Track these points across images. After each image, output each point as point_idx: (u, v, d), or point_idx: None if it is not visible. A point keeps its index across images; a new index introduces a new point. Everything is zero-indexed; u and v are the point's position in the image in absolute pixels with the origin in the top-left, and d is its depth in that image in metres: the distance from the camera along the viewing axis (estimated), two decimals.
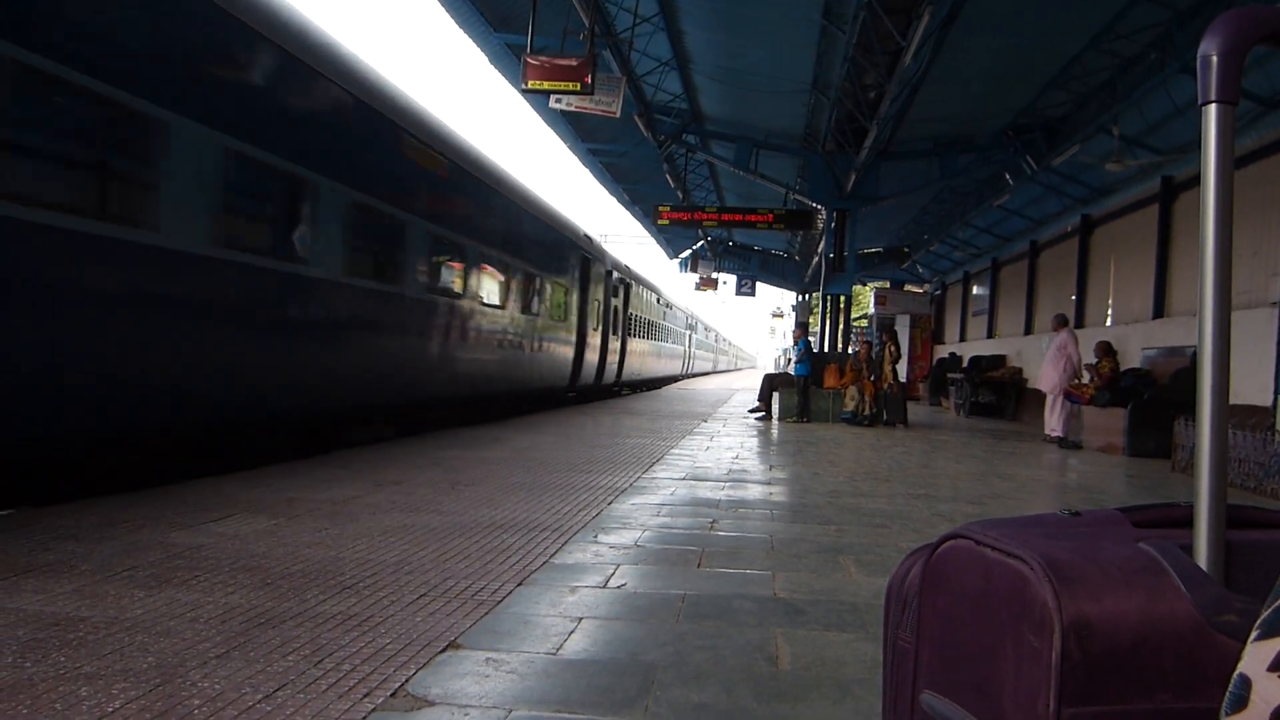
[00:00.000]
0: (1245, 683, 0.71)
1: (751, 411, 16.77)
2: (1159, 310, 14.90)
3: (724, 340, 78.11)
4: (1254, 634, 0.74)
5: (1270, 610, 0.73)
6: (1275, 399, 9.93)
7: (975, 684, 0.95)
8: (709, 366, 56.27)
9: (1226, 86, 0.98)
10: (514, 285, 14.14)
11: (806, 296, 33.61)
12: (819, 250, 23.46)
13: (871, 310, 30.63)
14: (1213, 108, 0.99)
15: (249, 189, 7.42)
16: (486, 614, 3.44)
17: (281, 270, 7.80)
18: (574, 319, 18.40)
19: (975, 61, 13.02)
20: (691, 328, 42.86)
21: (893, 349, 16.42)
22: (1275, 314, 10.57)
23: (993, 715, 0.92)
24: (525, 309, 14.81)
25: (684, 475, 7.85)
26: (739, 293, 35.96)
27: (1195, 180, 1.38)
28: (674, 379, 37.20)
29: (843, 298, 19.93)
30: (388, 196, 9.63)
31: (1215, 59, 0.98)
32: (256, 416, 7.88)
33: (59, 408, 5.58)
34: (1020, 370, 20.46)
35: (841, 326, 20.29)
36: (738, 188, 23.90)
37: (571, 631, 3.27)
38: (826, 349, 19.80)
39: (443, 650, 3.00)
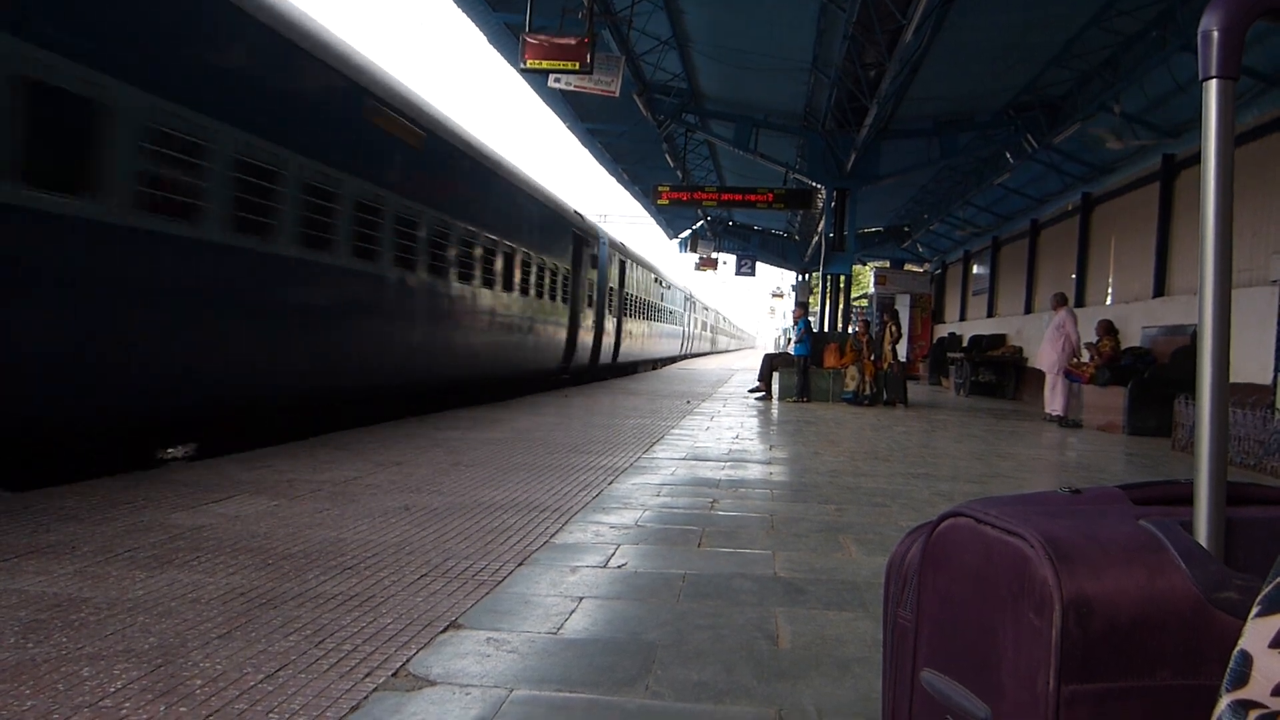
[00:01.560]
0: (1246, 659, 0.71)
1: (751, 391, 16.77)
2: (1159, 289, 14.88)
3: (733, 325, 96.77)
4: (1255, 610, 0.73)
5: (1271, 586, 0.73)
6: (1275, 377, 9.92)
7: (975, 662, 0.95)
8: (724, 346, 76.08)
9: (1227, 62, 0.97)
10: (677, 317, 37.46)
11: (806, 276, 33.54)
12: (819, 230, 23.39)
13: (871, 290, 30.57)
14: (1213, 83, 0.98)
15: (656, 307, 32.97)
16: (487, 594, 3.45)
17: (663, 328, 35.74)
18: (681, 325, 39.47)
19: (976, 39, 12.93)
20: (718, 319, 68.93)
21: (893, 329, 16.41)
22: (1276, 292, 10.55)
23: (993, 693, 0.92)
24: (676, 323, 37.47)
25: (684, 455, 7.86)
26: (739, 273, 35.85)
27: (1196, 158, 1.38)
28: (707, 354, 56.45)
29: (843, 277, 19.88)
30: (668, 317, 36.32)
31: (1216, 34, 0.97)
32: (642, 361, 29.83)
33: None
34: (1020, 349, 20.46)
35: (841, 306, 20.26)
36: (737, 167, 23.78)
37: (572, 611, 3.29)
38: (826, 329, 19.77)
39: (444, 630, 3.01)
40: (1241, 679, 0.71)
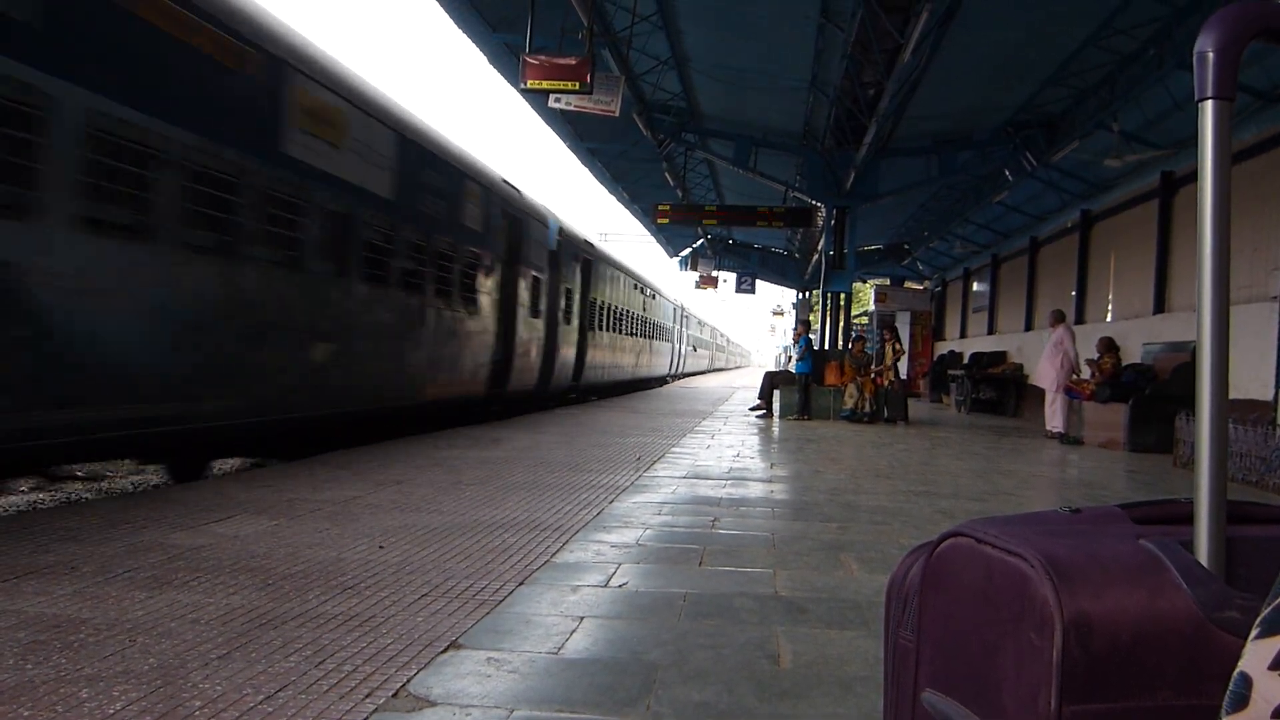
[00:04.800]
0: (1246, 681, 0.71)
1: (752, 409, 16.76)
2: (1160, 305, 14.89)
3: (732, 343, 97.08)
4: (1254, 632, 0.73)
5: (1270, 608, 0.73)
6: (1276, 393, 9.92)
7: (976, 682, 0.95)
8: (723, 364, 76.61)
9: (1223, 83, 0.98)
10: (666, 331, 34.81)
11: (807, 294, 33.57)
12: (819, 248, 23.43)
13: (872, 307, 30.61)
14: (1209, 104, 0.98)
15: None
16: (488, 614, 3.44)
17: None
18: (672, 343, 37.36)
19: (974, 58, 13.00)
20: (715, 338, 68.93)
21: (896, 346, 16.41)
22: (1276, 309, 10.56)
23: (994, 714, 0.91)
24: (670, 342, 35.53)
25: (685, 473, 7.85)
26: (739, 290, 35.92)
27: (1194, 175, 1.40)
28: (707, 372, 57.14)
29: (843, 295, 19.91)
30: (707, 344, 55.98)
31: (1212, 55, 0.97)
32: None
33: None
34: (1021, 366, 20.46)
35: (842, 324, 20.29)
36: (737, 186, 23.85)
37: (573, 631, 3.27)
38: (827, 346, 19.79)
39: (444, 650, 3.00)
40: (1241, 701, 0.71)
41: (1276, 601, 0.73)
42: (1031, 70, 13.52)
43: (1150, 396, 11.92)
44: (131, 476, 9.09)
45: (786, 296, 50.27)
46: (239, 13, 7.56)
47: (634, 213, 28.76)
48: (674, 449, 9.89)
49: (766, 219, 20.09)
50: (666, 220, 20.25)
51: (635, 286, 27.55)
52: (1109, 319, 17.21)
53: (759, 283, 36.29)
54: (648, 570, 4.26)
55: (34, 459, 6.71)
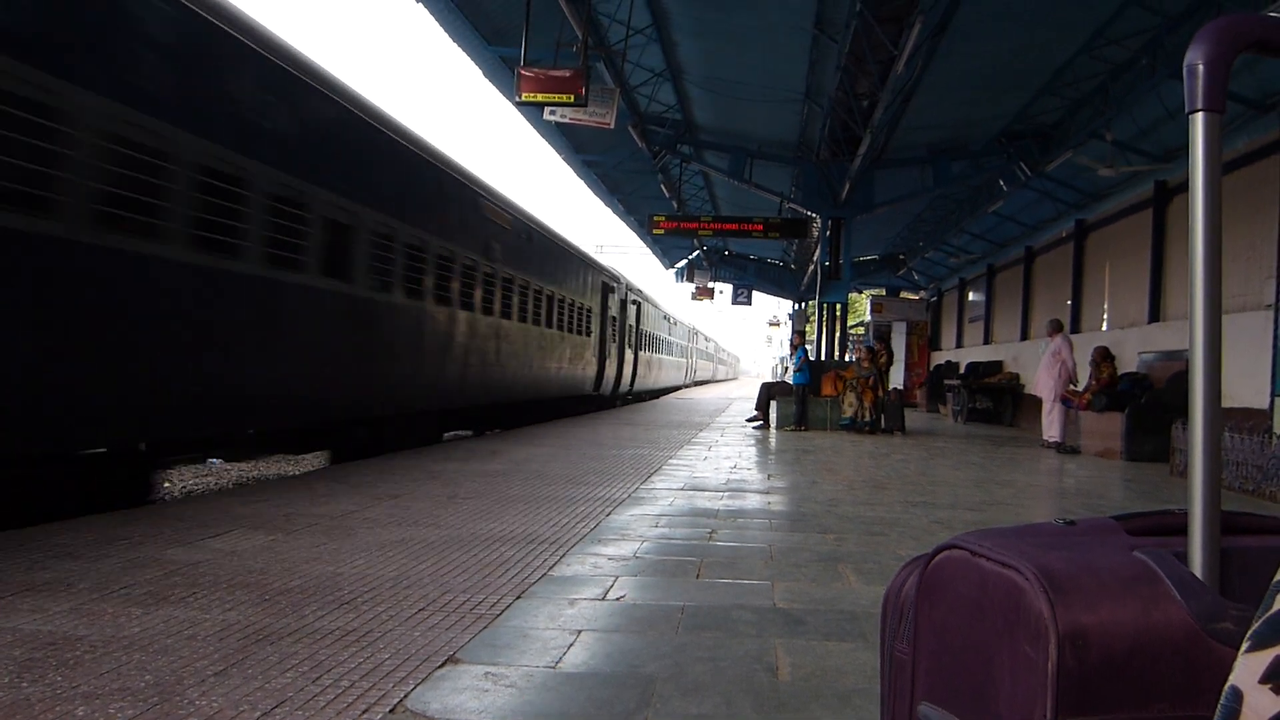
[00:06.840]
0: (1236, 695, 0.71)
1: (749, 420, 16.75)
2: (1155, 314, 14.93)
3: (730, 355, 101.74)
4: (1245, 645, 0.73)
5: (1261, 621, 0.73)
6: (1272, 401, 9.93)
7: (972, 694, 0.95)
8: (724, 375, 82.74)
9: (1213, 95, 0.98)
10: (680, 348, 39.58)
11: (803, 305, 33.61)
12: (814, 259, 23.48)
13: (868, 318, 30.64)
14: (1200, 116, 0.99)
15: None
16: (485, 628, 3.43)
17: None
18: (687, 358, 41.99)
19: (967, 69, 13.06)
20: (717, 352, 74.92)
21: (883, 359, 16.40)
22: (1270, 317, 10.58)
23: None
24: (685, 358, 41.85)
25: (682, 485, 7.84)
26: (735, 302, 35.94)
27: (1187, 185, 1.39)
28: (709, 382, 61.64)
29: (839, 306, 19.94)
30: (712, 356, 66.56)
31: (1201, 67, 0.98)
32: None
33: None
34: (1017, 376, 20.49)
35: (838, 334, 20.31)
36: (732, 197, 23.91)
37: (571, 644, 3.27)
38: (823, 357, 19.80)
39: (441, 665, 2.99)
40: (1232, 715, 0.71)
41: (1267, 615, 0.73)
42: (1025, 80, 13.59)
43: (1146, 405, 11.93)
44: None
45: (783, 307, 50.43)
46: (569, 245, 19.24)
47: (629, 224, 28.82)
48: (671, 460, 9.88)
49: (762, 230, 20.12)
50: (663, 231, 20.31)
51: (664, 317, 35.61)
52: (1104, 328, 17.25)
53: (755, 293, 36.33)
54: (645, 583, 4.25)
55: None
